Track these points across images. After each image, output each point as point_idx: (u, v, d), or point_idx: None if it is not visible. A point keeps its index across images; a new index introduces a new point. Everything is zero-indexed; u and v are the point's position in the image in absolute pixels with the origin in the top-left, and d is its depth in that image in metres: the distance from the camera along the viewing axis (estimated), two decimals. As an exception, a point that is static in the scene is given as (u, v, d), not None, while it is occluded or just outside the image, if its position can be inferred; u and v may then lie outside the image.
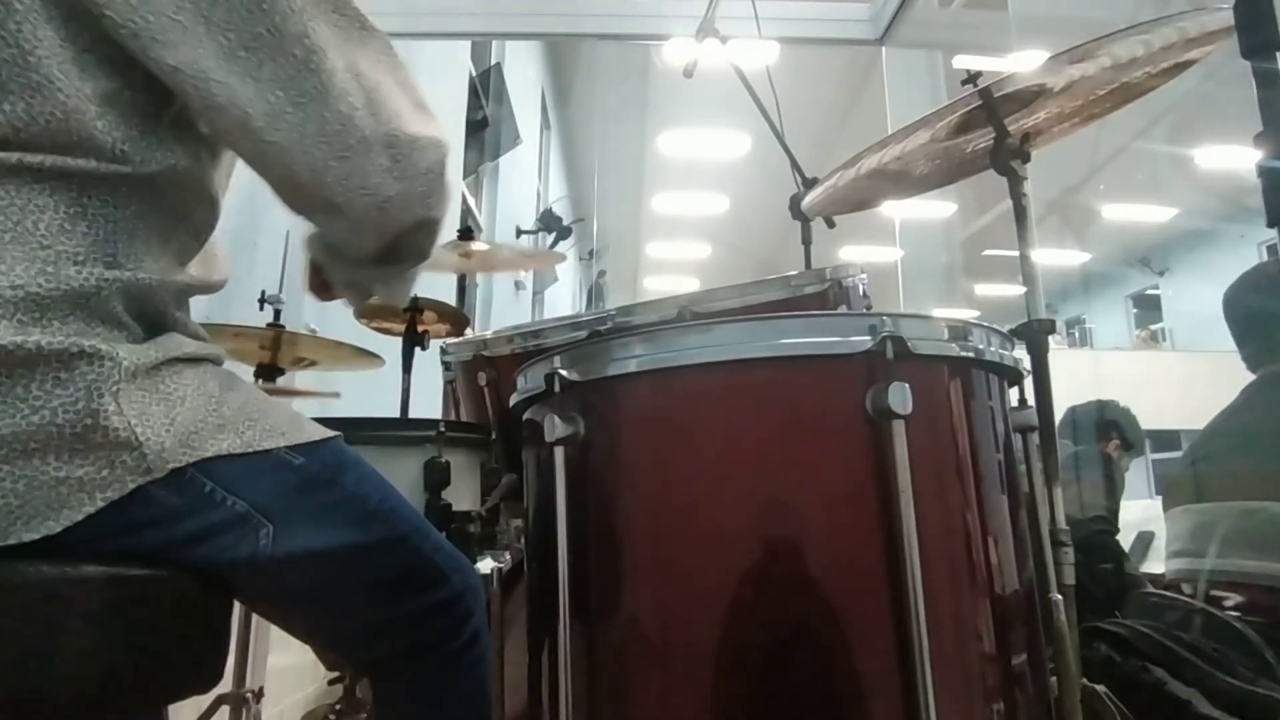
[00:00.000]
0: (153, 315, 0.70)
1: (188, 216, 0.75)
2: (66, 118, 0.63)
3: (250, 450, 0.70)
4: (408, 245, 0.81)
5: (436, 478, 1.19)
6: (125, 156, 0.66)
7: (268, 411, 0.75)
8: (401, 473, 1.17)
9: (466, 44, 4.41)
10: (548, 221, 6.23)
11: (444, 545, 0.83)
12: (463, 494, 1.25)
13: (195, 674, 0.71)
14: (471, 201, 4.96)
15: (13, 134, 0.62)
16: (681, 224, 9.49)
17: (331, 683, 1.50)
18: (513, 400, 0.89)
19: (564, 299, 8.23)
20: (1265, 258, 9.09)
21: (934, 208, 5.49)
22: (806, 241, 1.72)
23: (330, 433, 0.78)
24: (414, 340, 1.60)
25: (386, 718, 0.83)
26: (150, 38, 0.63)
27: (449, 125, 4.01)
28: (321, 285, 0.93)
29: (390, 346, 1.63)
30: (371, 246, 0.79)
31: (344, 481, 0.77)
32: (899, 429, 0.68)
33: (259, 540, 0.69)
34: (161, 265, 0.71)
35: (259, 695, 1.43)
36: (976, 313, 7.74)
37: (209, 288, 0.79)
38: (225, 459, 0.68)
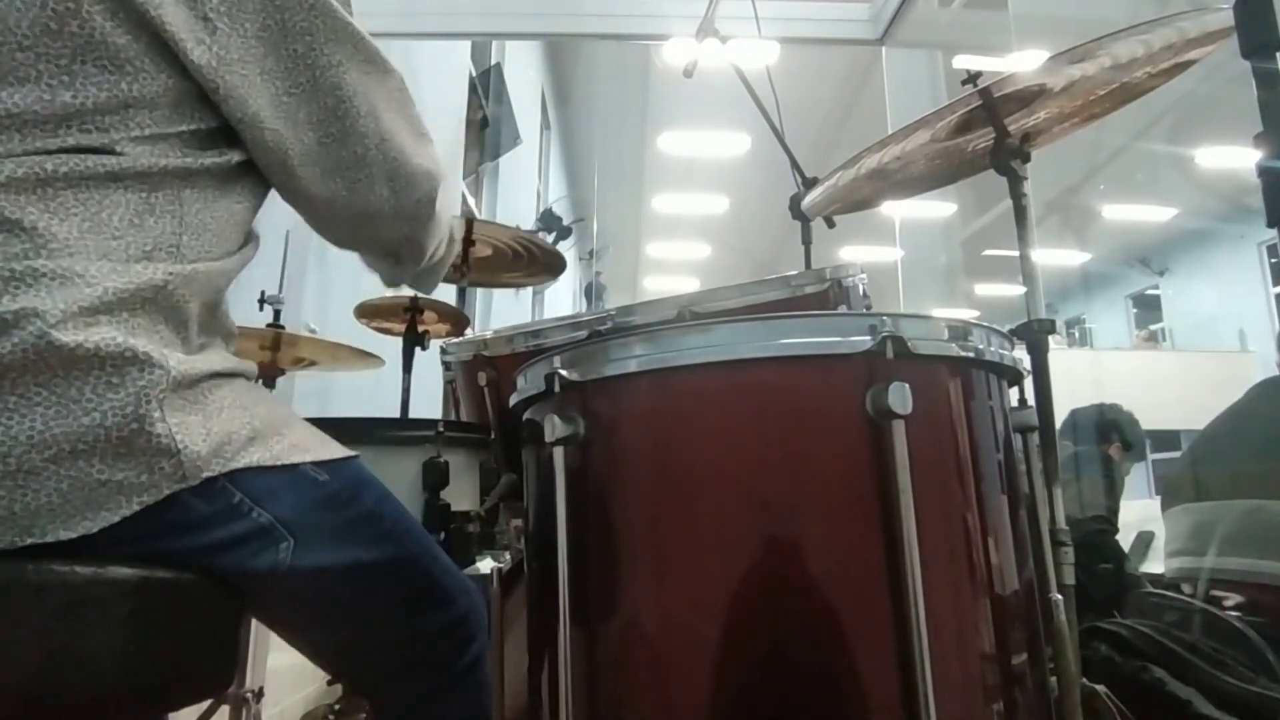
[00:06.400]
0: (210, 305, 0.75)
1: (246, 202, 0.79)
2: (155, 103, 0.68)
3: (279, 464, 0.72)
4: (404, 253, 0.94)
5: (435, 478, 1.19)
6: (204, 144, 0.72)
7: (294, 427, 0.77)
8: (401, 473, 1.17)
9: (466, 44, 4.41)
10: (548, 221, 6.23)
11: (451, 568, 0.84)
12: (462, 494, 1.25)
13: (208, 679, 0.73)
14: (472, 201, 4.96)
15: (98, 122, 0.66)
16: (681, 224, 9.49)
17: (331, 683, 1.50)
18: (513, 400, 0.89)
19: (564, 299, 8.23)
20: (1265, 258, 9.13)
21: (934, 208, 5.49)
22: (806, 241, 1.72)
23: (350, 452, 0.80)
24: (414, 340, 1.60)
25: None
26: (226, 94, 0.70)
27: (449, 125, 4.02)
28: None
29: (390, 346, 1.63)
30: (374, 253, 0.95)
31: (363, 500, 0.79)
32: (899, 429, 0.67)
33: (279, 553, 0.70)
34: (219, 251, 0.75)
35: (259, 695, 1.43)
36: (976, 313, 7.75)
37: (249, 258, 0.83)
38: (255, 471, 0.70)
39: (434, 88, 3.69)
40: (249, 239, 0.82)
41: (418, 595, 0.81)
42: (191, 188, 0.71)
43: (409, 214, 0.86)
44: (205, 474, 0.66)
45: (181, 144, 0.70)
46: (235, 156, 0.74)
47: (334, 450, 0.78)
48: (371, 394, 2.05)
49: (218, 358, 0.72)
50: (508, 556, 1.28)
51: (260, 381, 1.54)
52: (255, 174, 0.78)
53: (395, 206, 0.84)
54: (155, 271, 0.66)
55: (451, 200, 0.99)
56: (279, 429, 0.74)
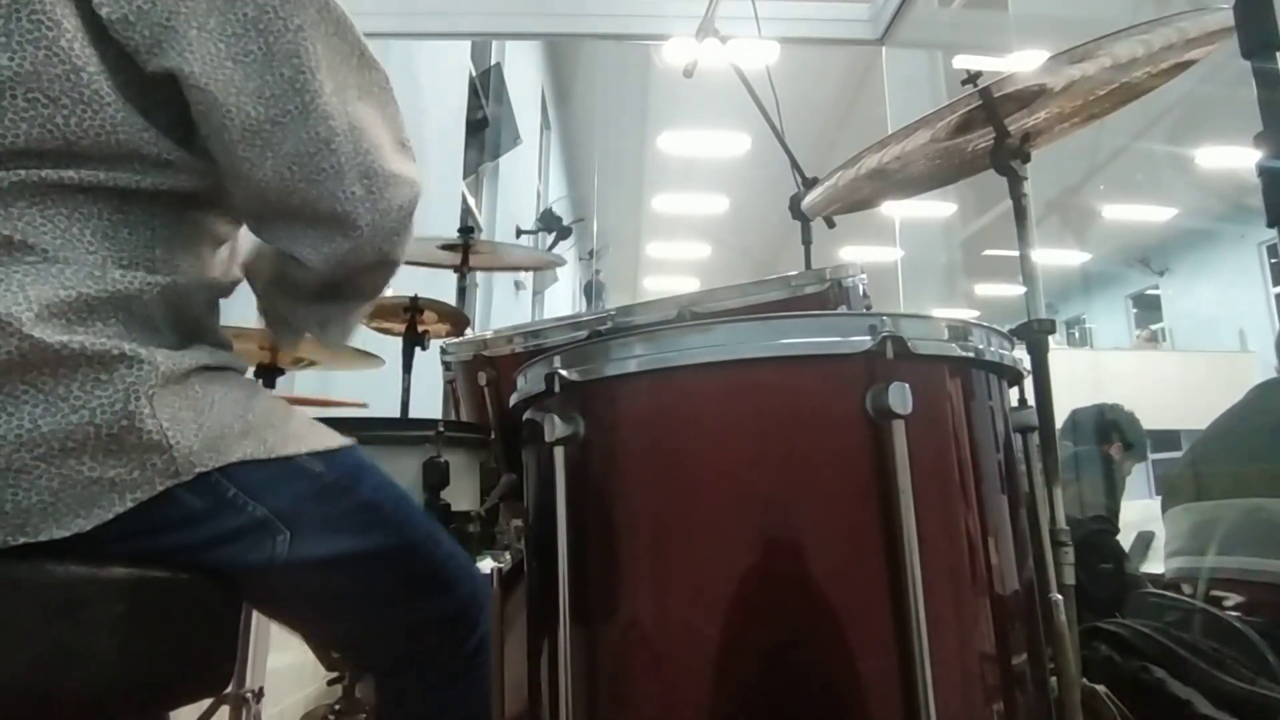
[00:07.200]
0: (189, 320, 0.72)
1: (220, 222, 0.76)
2: (115, 130, 0.64)
3: (273, 456, 0.71)
4: (357, 283, 0.80)
5: (435, 477, 1.19)
6: (170, 165, 0.68)
7: (289, 418, 0.76)
8: (401, 473, 1.17)
9: (466, 44, 4.41)
10: (548, 221, 6.23)
11: (455, 552, 0.84)
12: (462, 494, 1.25)
13: (206, 677, 0.72)
14: (471, 201, 4.96)
15: (66, 147, 0.63)
16: (681, 224, 9.49)
17: (331, 683, 1.50)
18: (513, 400, 0.89)
19: (564, 299, 8.23)
20: (1265, 258, 9.13)
21: (934, 208, 5.50)
22: (806, 241, 1.72)
23: (348, 440, 0.79)
24: (414, 340, 1.60)
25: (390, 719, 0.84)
26: (144, 48, 0.64)
27: (449, 125, 4.02)
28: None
29: (390, 346, 1.63)
30: (324, 277, 0.77)
31: (360, 489, 0.78)
32: (899, 429, 0.67)
33: (275, 546, 0.70)
34: (196, 269, 0.73)
35: (259, 695, 1.43)
36: (976, 313, 7.75)
37: (235, 283, 0.80)
38: (249, 464, 0.69)
39: (434, 88, 3.68)
40: (235, 260, 0.81)
41: (419, 582, 0.81)
42: (167, 202, 0.69)
43: (388, 225, 0.73)
44: (198, 469, 0.66)
45: (150, 162, 0.66)
46: (208, 178, 0.70)
47: (330, 439, 0.77)
48: (371, 394, 2.05)
49: (205, 353, 0.71)
50: (508, 556, 1.27)
51: (262, 382, 1.54)
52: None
53: (373, 211, 0.72)
54: (131, 281, 0.65)
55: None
56: (273, 420, 0.73)
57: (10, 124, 0.61)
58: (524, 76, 6.00)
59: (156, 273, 0.68)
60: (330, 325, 0.85)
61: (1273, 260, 9.12)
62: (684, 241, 10.12)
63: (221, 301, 0.80)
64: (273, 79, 0.66)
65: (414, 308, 1.58)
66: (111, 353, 0.62)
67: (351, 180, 0.70)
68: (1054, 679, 0.84)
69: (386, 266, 0.79)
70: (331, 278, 0.77)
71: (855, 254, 2.16)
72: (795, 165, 1.74)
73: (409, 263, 1.62)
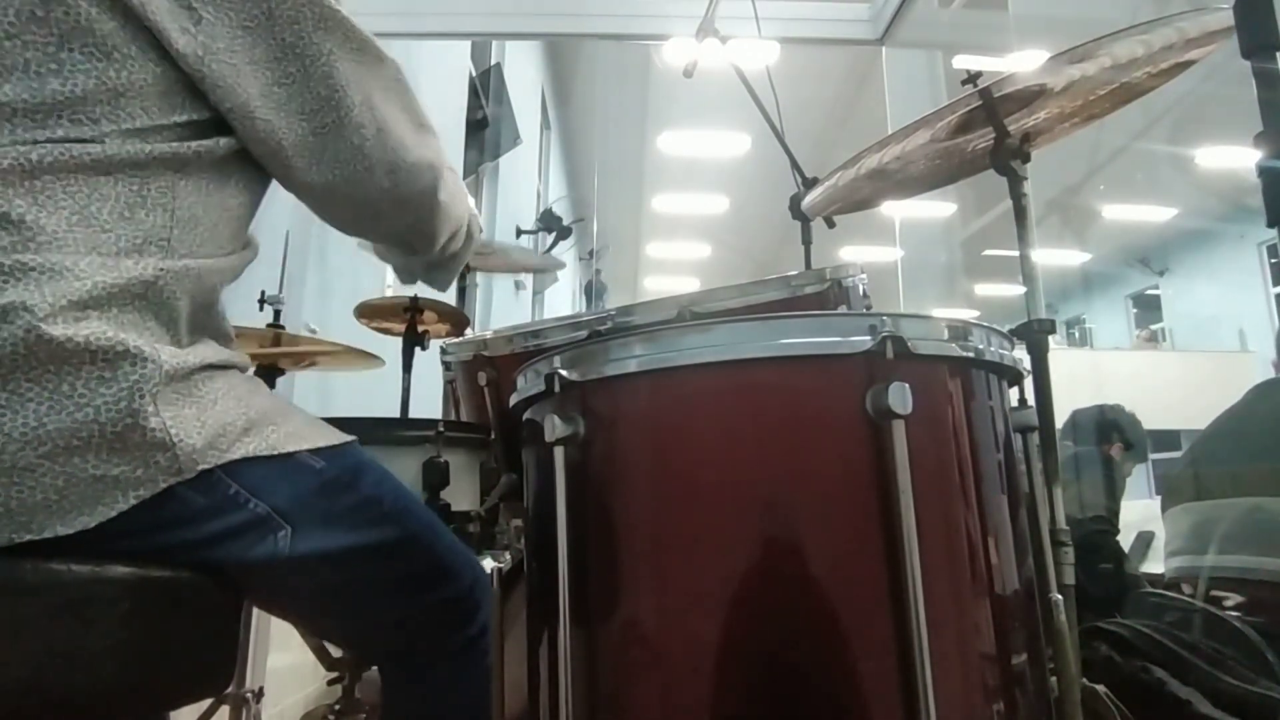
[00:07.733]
0: (200, 307, 0.73)
1: (242, 198, 0.78)
2: (156, 82, 0.68)
3: (275, 453, 0.72)
4: (414, 243, 0.94)
5: (435, 477, 1.19)
6: (195, 133, 0.71)
7: (290, 416, 0.77)
8: (401, 472, 1.16)
9: (466, 44, 4.41)
10: (548, 221, 6.22)
11: (455, 544, 0.86)
12: (462, 494, 1.25)
13: (207, 676, 0.73)
14: (471, 202, 4.96)
15: (88, 112, 0.65)
16: (681, 224, 9.50)
17: (331, 683, 1.50)
18: (513, 400, 0.89)
19: (564, 299, 8.23)
20: (1265, 258, 9.13)
21: (934, 208, 5.50)
22: (806, 241, 1.72)
23: (348, 437, 0.81)
24: (414, 340, 1.61)
25: (396, 707, 0.85)
26: (213, 83, 0.69)
27: (449, 125, 4.03)
28: None
29: (390, 346, 1.64)
30: (384, 241, 0.95)
31: (361, 484, 0.79)
32: (899, 429, 0.67)
33: (277, 542, 0.71)
34: (213, 249, 0.74)
35: (259, 695, 1.43)
36: (976, 313, 7.75)
37: (245, 264, 0.83)
38: (250, 461, 0.70)
39: (434, 88, 3.69)
40: (246, 244, 0.82)
41: (421, 574, 0.82)
42: (185, 178, 0.70)
43: (412, 205, 0.85)
44: (200, 467, 0.66)
45: (174, 135, 0.69)
46: (225, 141, 0.73)
47: (331, 436, 0.79)
48: (371, 394, 2.05)
49: (209, 350, 0.72)
50: (508, 556, 1.28)
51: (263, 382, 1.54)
52: (251, 169, 0.77)
53: (396, 198, 0.83)
54: (145, 267, 0.66)
55: (461, 191, 1.05)
56: (274, 418, 0.74)
57: (69, 74, 0.64)
58: (524, 76, 6.00)
59: (171, 256, 0.69)
60: (435, 271, 1.03)
61: (1273, 260, 9.11)
62: (684, 241, 10.12)
63: (225, 301, 0.80)
64: (311, 97, 0.74)
65: (414, 308, 1.58)
66: (115, 349, 0.63)
67: (381, 176, 0.80)
68: (1054, 679, 0.84)
69: (422, 233, 0.90)
70: (391, 244, 0.94)
71: (855, 254, 2.16)
72: (795, 165, 1.74)
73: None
